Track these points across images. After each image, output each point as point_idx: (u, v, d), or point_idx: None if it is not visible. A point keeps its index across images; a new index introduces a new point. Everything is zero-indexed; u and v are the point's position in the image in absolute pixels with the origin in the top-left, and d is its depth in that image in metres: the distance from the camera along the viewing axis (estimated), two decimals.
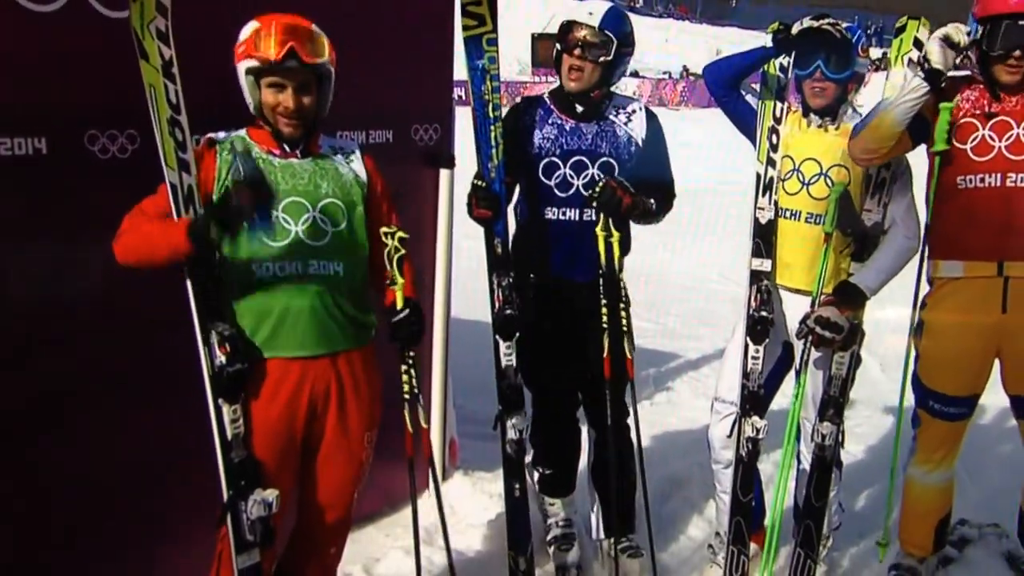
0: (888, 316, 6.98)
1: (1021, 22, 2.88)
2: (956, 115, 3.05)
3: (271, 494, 2.40)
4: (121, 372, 2.78)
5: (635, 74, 35.84)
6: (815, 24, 3.04)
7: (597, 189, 3.10)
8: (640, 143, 3.31)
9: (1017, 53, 2.92)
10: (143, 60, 2.28)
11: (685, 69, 39.87)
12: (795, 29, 3.05)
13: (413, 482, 2.65)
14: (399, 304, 2.55)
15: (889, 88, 3.13)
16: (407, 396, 2.59)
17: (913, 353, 3.31)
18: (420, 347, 3.80)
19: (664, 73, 40.32)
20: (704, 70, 3.40)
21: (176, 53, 2.38)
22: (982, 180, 3.04)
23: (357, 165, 2.63)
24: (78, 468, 2.74)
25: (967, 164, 3.05)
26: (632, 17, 3.43)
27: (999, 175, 3.01)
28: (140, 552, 2.93)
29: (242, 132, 2.53)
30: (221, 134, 2.51)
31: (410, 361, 2.61)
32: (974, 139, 3.04)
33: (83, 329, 2.70)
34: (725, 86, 3.29)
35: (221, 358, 2.34)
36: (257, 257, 2.44)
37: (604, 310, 3.16)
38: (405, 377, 2.59)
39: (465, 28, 3.13)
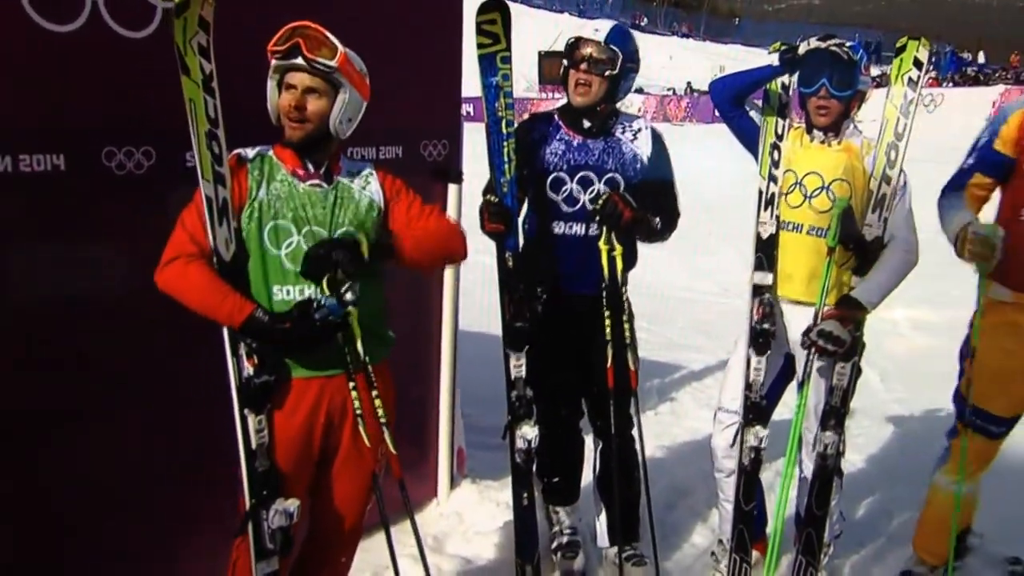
0: (896, 316, 7.01)
1: None
2: None
3: (292, 504, 2.43)
4: (140, 381, 2.84)
5: (640, 90, 35.91)
6: (822, 44, 3.10)
7: (600, 202, 3.17)
8: (645, 161, 3.37)
9: None
10: (184, 75, 2.32)
11: (689, 85, 39.98)
12: (802, 49, 3.11)
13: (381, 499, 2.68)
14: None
15: (890, 108, 3.19)
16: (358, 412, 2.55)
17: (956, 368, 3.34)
18: (426, 360, 3.92)
19: (668, 89, 40.42)
20: (710, 86, 3.45)
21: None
22: None
23: (373, 187, 2.67)
24: (81, 470, 2.78)
25: None
26: (637, 34, 3.49)
27: None
28: (142, 553, 2.96)
29: (269, 151, 2.57)
30: (249, 151, 2.54)
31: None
32: None
33: (104, 338, 2.76)
34: (730, 102, 3.34)
35: (249, 369, 2.38)
36: (277, 281, 2.49)
37: (607, 322, 3.22)
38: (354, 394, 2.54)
39: (480, 46, 3.19)
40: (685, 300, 8.44)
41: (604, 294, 3.23)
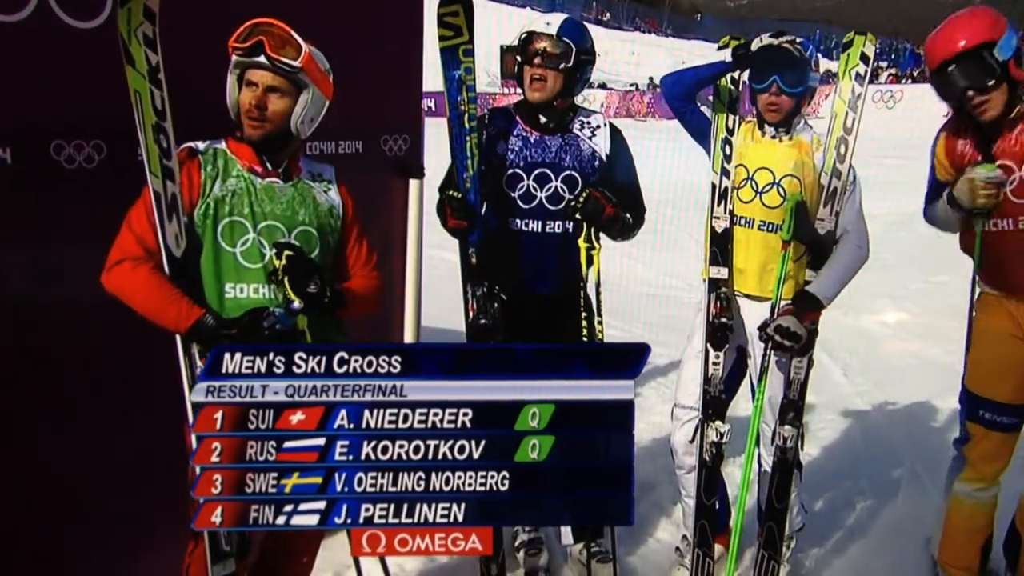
0: (888, 319, 7.05)
1: (950, 68, 2.96)
2: (971, 157, 3.12)
3: None
4: (91, 377, 2.79)
5: (603, 86, 36.07)
6: (774, 41, 3.10)
7: (581, 199, 3.11)
8: (604, 158, 3.34)
9: (970, 94, 2.96)
10: (129, 66, 2.28)
11: (652, 81, 40.15)
12: (754, 46, 3.10)
13: None
14: None
15: (839, 104, 3.21)
16: None
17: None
18: None
19: (632, 85, 40.57)
20: (661, 81, 3.41)
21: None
22: (995, 224, 3.09)
23: (334, 194, 2.65)
24: (55, 472, 2.75)
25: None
26: (601, 30, 3.50)
27: (1010, 220, 3.06)
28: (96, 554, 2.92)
29: (222, 144, 2.53)
30: (201, 144, 2.50)
31: None
32: None
33: (51, 334, 2.70)
34: (681, 97, 3.33)
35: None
36: (230, 279, 2.46)
37: (584, 324, 3.17)
38: None
39: (441, 39, 3.13)
40: (649, 296, 8.43)
41: (581, 295, 3.19)
